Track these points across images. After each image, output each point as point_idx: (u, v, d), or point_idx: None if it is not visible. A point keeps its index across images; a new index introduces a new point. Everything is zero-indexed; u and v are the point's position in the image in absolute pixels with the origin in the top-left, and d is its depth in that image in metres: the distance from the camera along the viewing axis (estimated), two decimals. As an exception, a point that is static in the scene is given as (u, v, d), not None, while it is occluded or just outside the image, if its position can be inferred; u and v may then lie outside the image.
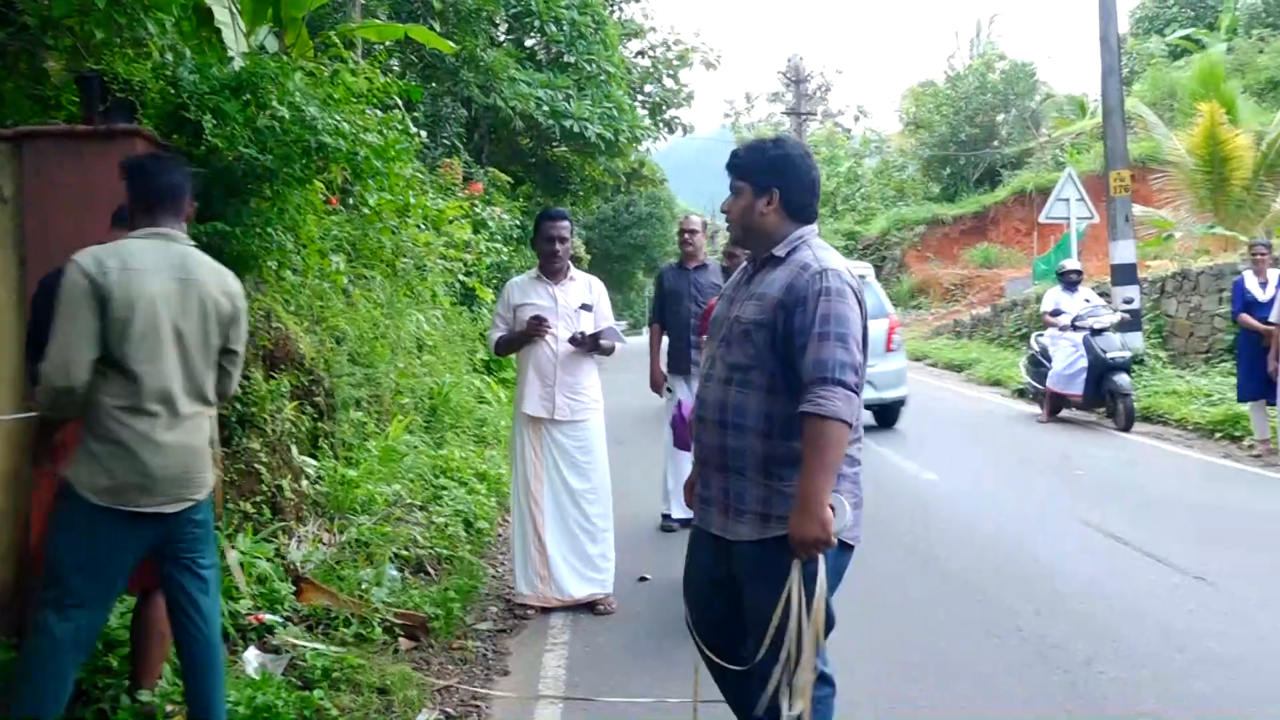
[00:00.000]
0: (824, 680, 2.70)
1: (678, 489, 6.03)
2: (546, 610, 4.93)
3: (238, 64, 4.92)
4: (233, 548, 4.33)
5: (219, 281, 3.03)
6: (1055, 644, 4.41)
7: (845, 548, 2.68)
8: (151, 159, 3.18)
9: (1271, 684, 3.95)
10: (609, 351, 5.10)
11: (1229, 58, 23.77)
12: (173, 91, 4.39)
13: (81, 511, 2.83)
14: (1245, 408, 9.12)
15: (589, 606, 4.96)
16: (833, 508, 2.48)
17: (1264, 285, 8.79)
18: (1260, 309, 8.66)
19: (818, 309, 2.54)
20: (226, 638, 3.94)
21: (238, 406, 4.71)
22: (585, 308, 5.00)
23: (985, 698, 3.89)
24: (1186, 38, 27.70)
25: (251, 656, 3.87)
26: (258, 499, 4.74)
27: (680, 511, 6.25)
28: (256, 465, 4.77)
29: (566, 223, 5.05)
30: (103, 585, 2.91)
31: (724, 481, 2.68)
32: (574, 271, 5.14)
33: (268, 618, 4.17)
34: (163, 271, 2.90)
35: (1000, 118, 34.71)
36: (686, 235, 6.73)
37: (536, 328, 4.81)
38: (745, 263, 2.88)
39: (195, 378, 2.96)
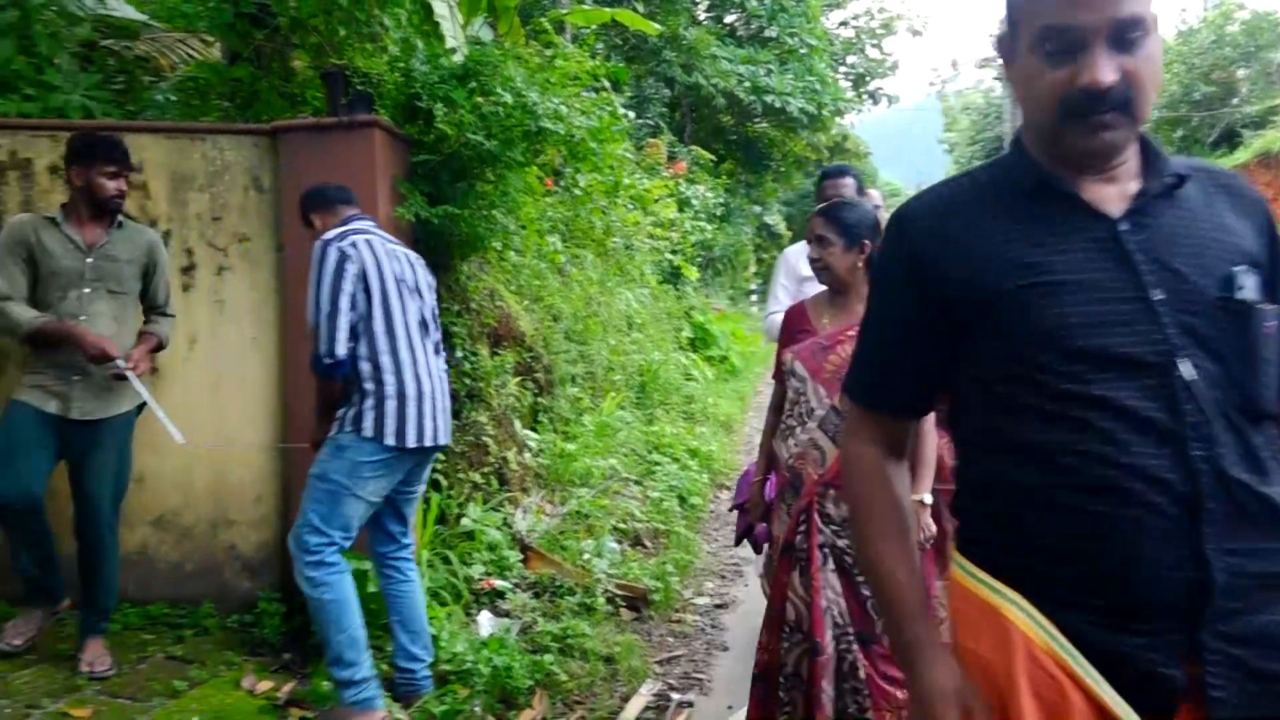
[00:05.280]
0: None
1: None
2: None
3: (461, 54, 5.11)
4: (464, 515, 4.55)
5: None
6: None
7: None
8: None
9: None
10: None
11: None
12: (405, 82, 4.61)
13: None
14: None
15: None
16: None
17: None
18: None
19: None
20: (460, 599, 4.15)
21: (466, 381, 4.92)
22: None
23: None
24: None
25: (485, 620, 4.04)
26: (486, 470, 4.94)
27: None
28: (484, 438, 4.97)
29: (850, 179, 3.87)
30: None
31: None
32: None
33: (498, 583, 4.35)
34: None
35: (1241, 73, 31.67)
36: None
37: None
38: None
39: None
